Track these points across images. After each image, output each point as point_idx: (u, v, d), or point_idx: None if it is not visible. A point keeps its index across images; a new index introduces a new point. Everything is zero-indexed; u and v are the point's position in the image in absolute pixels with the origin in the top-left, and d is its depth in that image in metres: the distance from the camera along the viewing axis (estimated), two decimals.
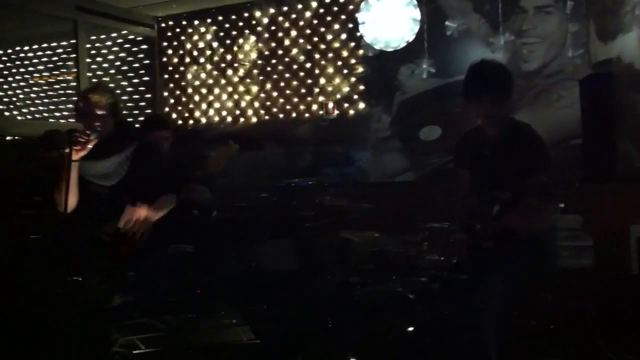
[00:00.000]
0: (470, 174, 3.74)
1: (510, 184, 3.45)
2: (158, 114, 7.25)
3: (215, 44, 7.20)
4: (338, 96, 6.48)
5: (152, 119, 4.88)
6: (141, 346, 3.03)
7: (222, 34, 7.17)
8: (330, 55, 6.54)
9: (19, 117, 7.28)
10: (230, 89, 7.11)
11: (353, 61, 6.44)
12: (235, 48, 7.07)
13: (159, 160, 3.71)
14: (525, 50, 5.68)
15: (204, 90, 7.27)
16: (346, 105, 6.45)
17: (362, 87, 6.40)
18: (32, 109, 7.44)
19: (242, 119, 7.03)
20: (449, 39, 5.93)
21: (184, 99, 7.41)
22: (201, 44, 7.28)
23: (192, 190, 4.20)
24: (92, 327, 3.48)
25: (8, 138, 6.39)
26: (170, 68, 7.49)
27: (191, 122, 7.32)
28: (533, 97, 5.63)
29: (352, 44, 6.44)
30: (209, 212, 4.87)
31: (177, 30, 7.44)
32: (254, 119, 6.96)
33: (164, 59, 7.52)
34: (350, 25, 6.40)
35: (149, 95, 7.56)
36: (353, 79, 6.44)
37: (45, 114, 7.34)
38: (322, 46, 6.59)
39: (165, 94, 7.50)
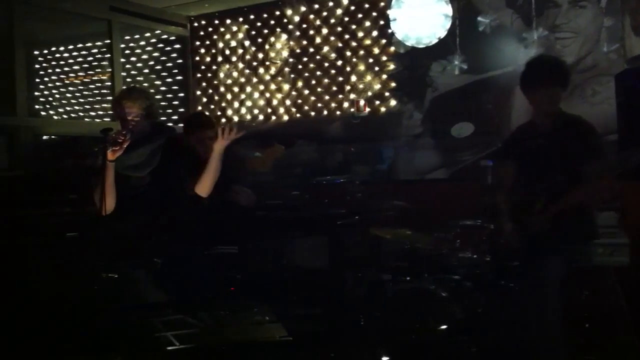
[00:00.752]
0: (521, 166, 3.80)
1: (565, 174, 3.55)
2: (201, 112, 7.28)
3: (247, 43, 7.24)
4: (369, 94, 6.47)
5: (196, 118, 4.91)
6: (175, 342, 3.06)
7: (253, 32, 7.21)
8: (362, 52, 6.53)
9: (55, 117, 7.40)
10: (262, 87, 7.15)
11: (384, 58, 6.42)
12: (267, 46, 7.10)
13: (190, 155, 3.75)
14: (559, 46, 5.61)
15: (236, 89, 7.32)
16: (377, 102, 6.43)
17: (393, 85, 6.38)
18: (67, 108, 7.56)
19: (273, 117, 7.06)
20: (481, 35, 5.88)
21: (216, 97, 7.46)
22: (233, 43, 7.33)
23: (237, 193, 4.22)
24: (128, 323, 3.53)
25: (45, 137, 6.51)
26: (203, 67, 7.56)
27: (223, 120, 7.37)
28: (567, 92, 5.54)
29: (384, 41, 6.42)
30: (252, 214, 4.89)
31: (210, 29, 7.50)
32: (286, 117, 6.99)
33: (197, 58, 7.59)
34: (382, 22, 6.39)
35: (182, 95, 7.63)
36: (384, 76, 6.42)
37: (81, 114, 7.45)
38: (354, 43, 6.58)
39: (198, 92, 7.57)
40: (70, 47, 7.50)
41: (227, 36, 7.37)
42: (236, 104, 7.32)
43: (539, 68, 3.77)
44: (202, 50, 7.56)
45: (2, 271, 4.59)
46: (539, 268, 3.60)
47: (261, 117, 7.14)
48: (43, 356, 4.28)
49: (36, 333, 4.36)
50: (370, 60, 6.48)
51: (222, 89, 7.42)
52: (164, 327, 3.02)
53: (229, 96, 7.37)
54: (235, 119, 7.31)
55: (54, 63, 7.55)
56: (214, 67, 7.47)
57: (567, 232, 3.53)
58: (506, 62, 5.79)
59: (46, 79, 7.52)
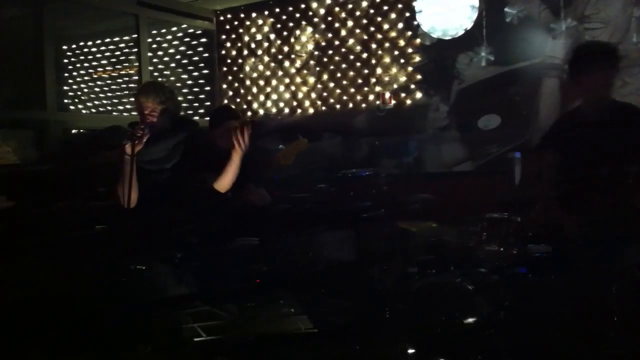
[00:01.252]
0: (568, 156, 3.73)
1: (618, 165, 3.48)
2: (227, 105, 7.32)
3: (272, 36, 7.26)
4: (395, 86, 6.45)
5: (222, 109, 4.94)
6: (202, 334, 3.10)
7: (279, 25, 7.22)
8: (387, 45, 6.51)
9: (84, 111, 7.50)
10: (287, 80, 7.16)
11: (410, 50, 6.39)
12: (293, 39, 7.11)
13: (214, 150, 3.76)
14: (588, 36, 5.53)
15: (261, 82, 7.35)
16: (403, 95, 6.41)
17: (419, 77, 6.35)
18: (96, 102, 7.65)
19: (299, 110, 7.07)
20: (508, 26, 5.82)
21: (242, 91, 7.50)
22: (259, 36, 7.35)
23: (251, 193, 4.23)
24: (155, 315, 3.57)
25: (74, 131, 6.60)
26: (229, 60, 7.59)
27: (249, 113, 7.40)
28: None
29: (409, 33, 6.39)
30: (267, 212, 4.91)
31: (236, 22, 7.53)
32: (311, 110, 7.00)
33: (223, 52, 7.63)
34: (407, 14, 6.35)
35: (208, 88, 7.68)
36: (410, 69, 6.39)
37: (109, 108, 7.54)
38: (379, 36, 6.56)
39: (224, 86, 7.61)
40: (99, 41, 7.59)
41: (253, 29, 7.39)
42: (262, 97, 7.34)
43: (595, 50, 3.68)
44: (228, 44, 7.59)
45: (33, 263, 4.68)
46: (592, 262, 3.53)
47: (287, 110, 7.16)
48: (70, 346, 4.35)
49: (64, 323, 4.43)
50: (396, 52, 6.46)
51: (248, 82, 7.45)
52: (191, 318, 3.05)
53: (254, 89, 7.40)
54: (261, 112, 7.34)
55: (82, 58, 7.65)
56: (240, 61, 7.50)
57: (621, 227, 3.43)
58: (534, 54, 5.74)
59: (75, 73, 7.63)
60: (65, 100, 7.30)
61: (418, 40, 6.33)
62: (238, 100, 7.50)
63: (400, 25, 6.45)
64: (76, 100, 7.61)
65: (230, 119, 4.41)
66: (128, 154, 3.39)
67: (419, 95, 6.35)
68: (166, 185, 3.57)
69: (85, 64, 7.67)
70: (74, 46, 7.63)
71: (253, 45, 7.41)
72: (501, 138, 5.80)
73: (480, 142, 5.98)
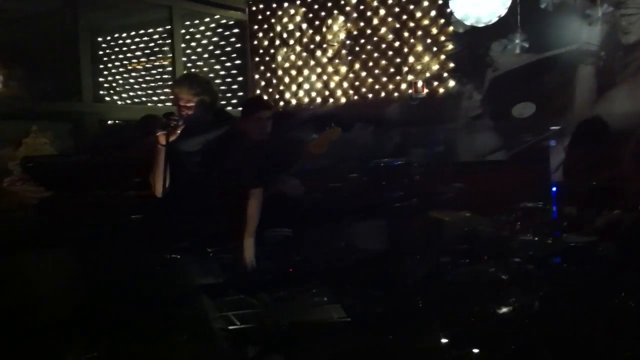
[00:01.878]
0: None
1: None
2: (259, 95, 7.35)
3: (304, 26, 7.25)
4: (427, 75, 6.40)
5: (254, 100, 4.96)
6: (236, 322, 3.13)
7: (310, 15, 7.21)
8: (420, 33, 6.46)
9: (119, 102, 7.60)
10: (319, 70, 7.16)
11: (443, 38, 6.34)
12: (324, 29, 7.10)
13: (249, 146, 3.77)
14: (624, 22, 5.42)
15: (293, 72, 7.35)
16: (436, 83, 6.36)
17: (452, 65, 6.29)
18: (131, 94, 7.74)
19: (331, 100, 7.07)
20: (543, 12, 5.72)
21: (274, 81, 7.51)
22: (290, 26, 7.35)
23: (285, 183, 4.24)
24: (190, 303, 3.62)
25: (109, 122, 6.69)
26: (261, 51, 7.61)
27: (282, 103, 7.42)
28: (633, 70, 5.37)
29: (442, 21, 6.33)
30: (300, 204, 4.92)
31: (267, 13, 7.54)
32: (343, 100, 6.98)
33: (255, 42, 7.65)
34: (440, 2, 6.29)
35: (240, 79, 7.71)
36: (443, 57, 6.34)
37: (143, 99, 7.63)
38: (411, 24, 6.51)
39: (257, 76, 7.63)
40: (133, 33, 7.67)
41: (285, 19, 7.39)
42: (294, 87, 7.35)
43: None
44: (260, 34, 7.61)
45: (70, 252, 4.77)
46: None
47: (319, 100, 7.16)
48: (105, 333, 4.43)
49: (100, 310, 4.51)
50: (429, 40, 6.41)
51: (280, 72, 7.46)
52: (225, 307, 3.09)
53: (286, 79, 7.41)
54: (293, 102, 7.35)
55: (117, 50, 7.74)
56: (272, 51, 7.52)
57: None
58: (569, 41, 5.64)
59: (110, 65, 7.72)
60: (101, 92, 7.40)
61: (451, 28, 6.27)
62: (270, 90, 7.52)
63: (433, 13, 6.39)
64: (111, 92, 7.71)
65: (261, 108, 4.43)
66: (161, 144, 3.43)
67: (452, 83, 6.30)
68: (200, 177, 3.60)
69: (120, 56, 7.76)
70: (108, 38, 7.72)
71: (285, 35, 7.41)
72: (536, 126, 5.72)
73: (515, 131, 5.90)
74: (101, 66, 7.59)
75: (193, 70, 7.41)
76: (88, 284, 4.64)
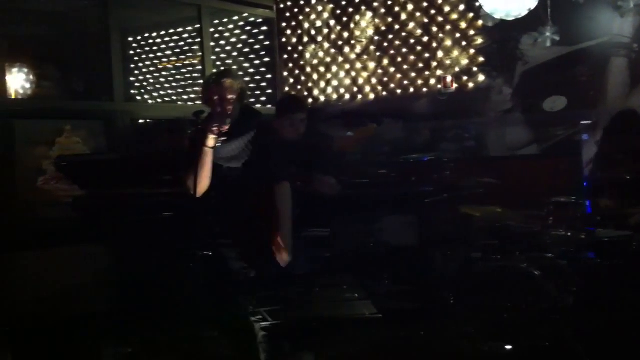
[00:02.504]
0: None
1: None
2: (294, 95, 7.31)
3: (332, 22, 7.25)
4: (456, 69, 6.36)
5: (288, 100, 4.93)
6: (268, 318, 3.15)
7: (338, 11, 7.20)
8: (448, 27, 6.41)
9: (149, 101, 7.68)
10: (347, 66, 7.15)
11: (472, 33, 6.28)
12: (352, 25, 7.09)
13: (281, 144, 3.73)
14: None
15: (322, 69, 7.36)
16: (465, 78, 6.31)
17: (481, 59, 6.24)
18: (161, 92, 7.82)
19: (359, 96, 7.06)
20: (574, 4, 5.64)
21: (302, 78, 7.53)
22: (319, 23, 7.35)
23: (319, 182, 4.22)
24: (222, 299, 3.65)
25: (140, 121, 6.76)
26: (289, 48, 7.63)
27: (310, 100, 7.43)
28: None
29: (471, 15, 6.27)
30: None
31: (295, 10, 7.55)
32: (372, 96, 6.97)
33: (283, 40, 7.66)
34: None
35: (269, 76, 7.74)
36: (472, 51, 6.28)
37: (174, 98, 7.70)
38: (440, 19, 6.47)
39: (285, 74, 7.65)
40: (162, 32, 7.74)
41: (313, 16, 7.40)
42: (322, 84, 7.36)
43: None
44: (289, 31, 7.62)
45: (101, 248, 4.85)
46: None
47: (347, 96, 7.15)
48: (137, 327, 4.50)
49: (131, 305, 4.58)
50: (458, 35, 6.36)
51: (308, 69, 7.47)
52: (257, 303, 3.11)
53: (315, 76, 7.42)
54: (322, 99, 7.36)
55: (147, 49, 7.82)
56: (300, 48, 7.53)
57: None
58: (601, 33, 5.56)
59: (140, 64, 7.80)
60: (132, 91, 7.48)
61: (480, 22, 6.21)
62: (299, 87, 7.53)
63: (462, 7, 6.33)
64: (142, 91, 7.79)
65: (296, 109, 4.39)
66: (209, 146, 3.35)
67: (481, 78, 6.24)
68: (236, 176, 3.55)
69: (150, 55, 7.84)
70: (139, 37, 7.80)
71: (313, 32, 7.42)
72: (568, 120, 5.65)
73: (546, 125, 5.84)
74: (132, 65, 7.67)
75: (221, 68, 7.46)
76: (120, 279, 4.71)
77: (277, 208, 3.45)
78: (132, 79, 7.66)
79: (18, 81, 6.26)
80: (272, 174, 3.52)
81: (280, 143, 3.72)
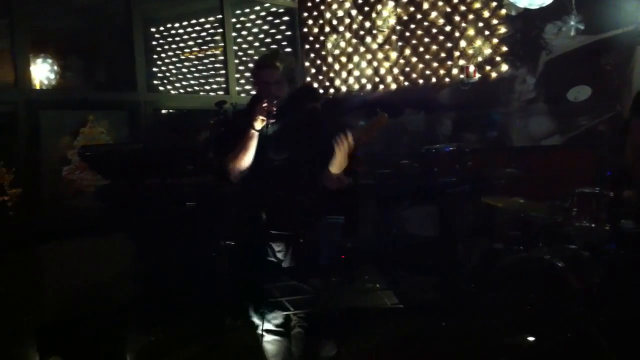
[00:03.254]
0: None
1: None
2: (307, 84, 7.32)
3: (354, 12, 7.22)
4: (479, 59, 6.31)
5: (302, 90, 4.92)
6: (289, 307, 3.16)
7: (360, 1, 7.18)
8: (471, 16, 6.36)
9: (172, 92, 7.71)
10: (369, 56, 7.13)
11: (495, 22, 6.23)
12: (374, 14, 7.06)
13: (322, 129, 3.70)
14: None
15: (343, 59, 7.34)
16: (488, 68, 6.27)
17: (504, 49, 6.18)
18: (183, 83, 7.85)
19: (381, 86, 7.04)
20: None
21: (324, 68, 7.52)
22: (340, 13, 7.33)
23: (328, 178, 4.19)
24: (243, 288, 3.67)
25: (163, 111, 6.80)
26: (311, 38, 7.62)
27: (332, 90, 7.43)
28: None
29: (494, 4, 6.22)
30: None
31: (317, 0, 7.54)
32: (394, 86, 6.95)
33: (305, 30, 7.66)
34: None
35: None
36: (495, 41, 6.23)
37: (196, 88, 7.73)
38: (463, 8, 6.42)
39: (307, 64, 7.65)
40: (185, 23, 7.77)
41: (334, 6, 7.38)
42: (344, 74, 7.35)
43: None
44: (310, 21, 7.62)
45: (125, 237, 4.89)
46: None
47: (369, 86, 7.14)
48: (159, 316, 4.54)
49: (154, 294, 4.63)
50: (480, 24, 6.31)
51: (330, 59, 7.46)
52: (279, 293, 3.12)
53: (336, 66, 7.41)
54: (344, 89, 7.35)
55: (169, 39, 7.85)
56: (322, 38, 7.52)
57: None
58: (626, 21, 5.48)
59: (163, 55, 7.84)
60: (154, 82, 7.52)
61: (503, 11, 6.16)
62: (320, 77, 7.53)
63: None
64: (164, 81, 7.83)
65: (310, 99, 4.38)
66: (256, 129, 3.33)
67: (504, 67, 6.19)
68: (278, 164, 3.51)
69: (173, 45, 7.87)
70: (161, 28, 7.83)
71: (335, 22, 7.40)
72: (592, 110, 5.59)
73: (570, 115, 5.78)
74: (154, 56, 7.71)
75: (243, 58, 7.47)
76: (144, 269, 4.76)
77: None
78: (154, 69, 7.70)
79: (42, 72, 6.32)
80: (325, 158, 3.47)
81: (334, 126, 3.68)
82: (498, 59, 6.22)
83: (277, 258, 3.47)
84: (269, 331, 3.53)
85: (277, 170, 3.45)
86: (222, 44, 7.15)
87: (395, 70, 6.92)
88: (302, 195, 3.45)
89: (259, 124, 3.32)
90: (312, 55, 7.61)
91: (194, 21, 7.71)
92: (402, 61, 6.87)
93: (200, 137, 5.67)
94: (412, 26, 6.77)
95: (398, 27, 6.88)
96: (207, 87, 7.64)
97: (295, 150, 3.47)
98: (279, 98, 3.38)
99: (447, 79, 6.54)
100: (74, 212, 5.58)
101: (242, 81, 7.40)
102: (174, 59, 7.85)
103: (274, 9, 7.71)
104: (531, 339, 4.10)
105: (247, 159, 3.37)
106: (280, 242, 3.47)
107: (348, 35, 7.28)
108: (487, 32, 6.27)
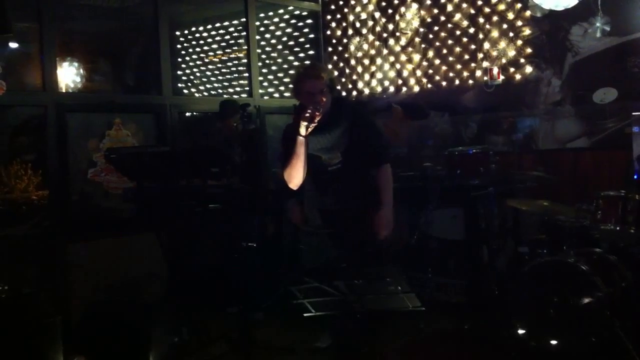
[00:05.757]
0: None
1: None
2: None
3: (377, 14, 7.23)
4: (503, 61, 6.27)
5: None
6: (311, 310, 3.17)
7: (384, 3, 7.18)
8: (495, 18, 6.33)
9: (196, 94, 7.78)
10: (392, 58, 7.12)
11: (520, 23, 6.19)
12: (397, 17, 7.05)
13: (372, 134, 3.85)
14: None
15: (366, 61, 7.35)
16: (512, 69, 6.23)
17: (529, 50, 6.14)
18: (207, 86, 7.92)
19: (404, 89, 7.03)
20: None
21: (347, 70, 7.53)
22: (363, 15, 7.34)
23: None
24: (265, 288, 3.70)
25: (187, 114, 6.86)
26: (334, 41, 7.63)
27: (354, 93, 7.43)
28: None
29: (519, 5, 6.17)
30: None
31: (340, 2, 7.55)
32: (417, 88, 6.93)
33: (328, 32, 7.67)
34: None
35: None
36: (520, 42, 6.19)
37: (220, 91, 7.78)
38: (487, 9, 6.39)
39: (330, 66, 7.66)
40: (209, 26, 7.83)
41: (358, 9, 7.39)
42: (367, 77, 7.35)
43: None
44: (333, 24, 7.63)
45: (151, 238, 4.94)
46: None
47: (392, 88, 7.13)
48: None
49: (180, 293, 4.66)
50: (505, 26, 6.27)
51: (353, 61, 7.47)
52: (300, 295, 3.13)
53: (359, 69, 7.42)
54: (366, 91, 7.35)
55: (194, 43, 7.92)
56: (345, 40, 7.53)
57: None
58: None
59: (187, 58, 7.92)
60: (179, 85, 7.59)
61: (528, 13, 6.11)
62: (343, 80, 7.54)
63: None
64: (189, 85, 7.91)
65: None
66: (302, 135, 3.49)
67: (529, 69, 6.15)
68: (332, 169, 3.70)
69: (197, 49, 7.94)
70: (186, 32, 7.91)
71: (358, 25, 7.41)
72: (618, 112, 5.53)
73: (596, 117, 5.73)
74: (179, 59, 7.78)
75: (266, 61, 7.51)
76: (170, 270, 4.80)
77: (381, 187, 3.76)
78: (180, 72, 7.78)
79: (70, 75, 6.42)
80: (376, 157, 3.78)
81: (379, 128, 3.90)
82: (522, 60, 6.18)
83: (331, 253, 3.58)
84: (294, 331, 3.56)
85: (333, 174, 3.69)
86: (246, 47, 7.20)
87: (419, 73, 6.90)
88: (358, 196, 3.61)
89: (303, 130, 3.48)
90: (335, 57, 7.62)
91: (218, 24, 7.78)
92: (425, 63, 6.86)
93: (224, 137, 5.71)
94: (436, 28, 6.75)
95: (421, 30, 6.87)
96: (231, 90, 7.70)
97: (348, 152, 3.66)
98: (323, 107, 3.55)
99: (470, 81, 6.51)
100: (101, 214, 5.66)
101: (266, 84, 7.44)
102: (198, 62, 7.93)
103: (297, 12, 7.74)
104: (555, 342, 4.07)
105: (298, 165, 3.55)
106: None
107: (371, 37, 7.28)
108: (511, 34, 6.24)
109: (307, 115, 3.44)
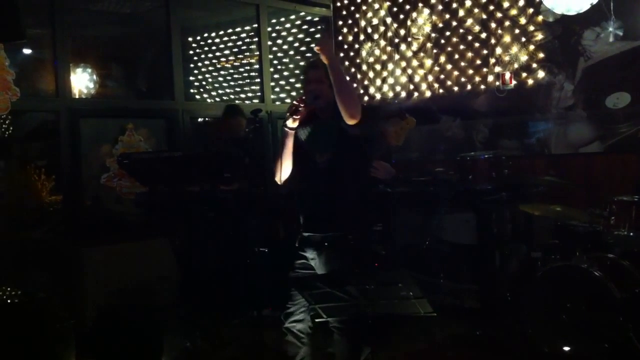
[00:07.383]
0: None
1: None
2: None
3: (388, 20, 7.23)
4: (515, 66, 6.26)
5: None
6: (323, 315, 3.18)
7: (395, 9, 7.18)
8: (507, 23, 6.32)
9: (208, 100, 7.81)
10: (404, 63, 7.12)
11: (532, 28, 6.17)
12: (409, 22, 7.06)
13: (368, 132, 3.78)
14: None
15: (378, 67, 7.35)
16: (524, 74, 6.21)
17: (541, 55, 6.12)
18: (219, 91, 7.95)
19: (416, 94, 7.03)
20: None
21: (359, 75, 7.54)
22: (375, 21, 7.35)
23: (377, 168, 4.23)
24: (276, 294, 3.70)
25: (200, 120, 6.89)
26: (346, 46, 7.64)
27: (366, 98, 7.44)
28: None
29: (531, 10, 6.16)
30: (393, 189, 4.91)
31: (352, 8, 7.57)
32: (428, 93, 6.93)
33: (340, 38, 7.69)
34: None
35: None
36: (532, 47, 6.17)
37: (232, 96, 7.81)
38: (499, 14, 6.38)
39: None
40: (221, 32, 7.86)
41: (369, 14, 7.40)
42: (378, 82, 7.35)
43: None
44: (345, 29, 7.64)
45: (163, 243, 4.97)
46: None
47: (403, 94, 7.13)
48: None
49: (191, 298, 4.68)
50: (517, 31, 6.26)
51: (364, 67, 7.48)
52: (312, 300, 3.14)
53: (371, 74, 7.42)
54: (378, 96, 7.35)
55: (206, 49, 7.96)
56: (357, 46, 7.54)
57: None
58: None
59: (199, 64, 7.95)
60: (191, 90, 7.62)
61: (540, 17, 6.10)
62: (355, 85, 7.54)
63: (521, 2, 6.22)
64: (201, 90, 7.94)
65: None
66: (288, 127, 3.46)
67: (541, 74, 6.13)
68: (323, 165, 3.59)
69: (210, 55, 7.97)
70: (198, 37, 7.95)
71: (369, 30, 7.42)
72: (631, 117, 5.51)
73: (609, 122, 5.70)
74: (191, 65, 7.82)
75: (278, 67, 7.53)
76: (183, 274, 4.82)
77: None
78: (192, 78, 7.81)
79: (83, 81, 6.47)
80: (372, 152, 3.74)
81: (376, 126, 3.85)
82: (535, 65, 6.17)
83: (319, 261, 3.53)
84: (305, 337, 3.56)
85: (322, 172, 3.55)
86: (258, 53, 7.23)
87: (430, 78, 6.90)
88: (348, 195, 3.53)
89: (290, 122, 3.44)
90: (347, 63, 7.63)
91: (230, 30, 7.80)
92: (437, 68, 6.85)
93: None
94: (448, 33, 6.75)
95: (433, 35, 6.87)
96: (243, 96, 7.72)
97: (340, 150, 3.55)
98: (318, 98, 3.48)
99: (482, 86, 6.50)
100: (114, 218, 5.69)
101: (277, 89, 7.46)
102: (210, 68, 7.96)
103: (309, 18, 7.76)
104: (568, 347, 4.05)
105: (285, 157, 3.48)
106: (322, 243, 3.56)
107: (383, 43, 7.29)
108: (523, 39, 6.22)
109: (292, 107, 3.40)
